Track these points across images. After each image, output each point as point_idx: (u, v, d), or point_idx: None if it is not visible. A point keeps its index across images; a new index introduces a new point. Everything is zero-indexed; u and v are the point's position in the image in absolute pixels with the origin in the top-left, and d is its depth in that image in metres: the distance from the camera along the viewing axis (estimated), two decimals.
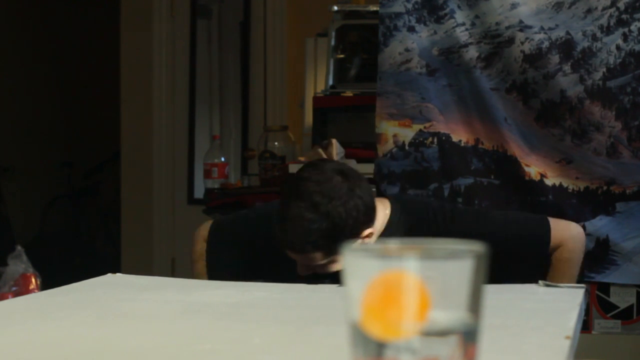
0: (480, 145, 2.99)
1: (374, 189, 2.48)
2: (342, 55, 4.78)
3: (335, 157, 4.32)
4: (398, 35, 3.02)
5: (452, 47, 3.00)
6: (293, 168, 4.34)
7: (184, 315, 1.36)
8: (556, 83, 2.93)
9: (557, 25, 2.93)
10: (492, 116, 2.97)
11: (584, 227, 2.93)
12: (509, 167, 2.96)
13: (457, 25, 2.99)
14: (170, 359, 1.08)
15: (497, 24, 2.96)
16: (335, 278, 2.04)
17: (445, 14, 3.00)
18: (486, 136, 2.98)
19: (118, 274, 1.71)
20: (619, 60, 2.89)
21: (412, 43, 3.01)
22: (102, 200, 7.05)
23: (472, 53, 2.98)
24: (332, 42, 4.72)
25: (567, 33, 2.92)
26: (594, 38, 2.91)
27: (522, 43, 2.94)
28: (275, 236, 2.14)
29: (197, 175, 5.24)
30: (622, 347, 2.99)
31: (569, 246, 2.49)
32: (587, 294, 2.24)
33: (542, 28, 2.93)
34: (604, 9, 2.91)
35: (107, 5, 6.18)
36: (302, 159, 4.49)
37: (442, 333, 0.64)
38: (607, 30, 2.90)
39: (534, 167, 2.95)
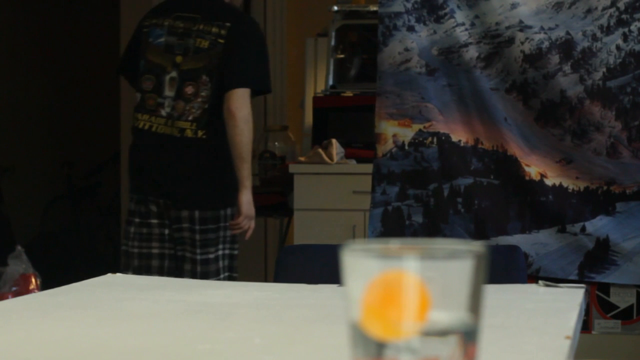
0: (480, 146, 2.99)
1: None
2: (342, 55, 4.78)
3: (335, 157, 4.32)
4: (398, 34, 3.02)
5: (452, 47, 3.00)
6: (293, 168, 4.34)
7: (184, 315, 1.36)
8: (556, 83, 2.93)
9: (557, 25, 2.93)
10: (492, 116, 2.97)
11: (584, 227, 2.93)
12: (509, 167, 2.96)
13: (457, 25, 2.99)
14: (170, 359, 1.08)
15: (497, 24, 2.96)
16: None
17: (445, 14, 3.00)
18: (486, 136, 2.98)
19: (118, 274, 1.71)
20: (619, 60, 2.90)
21: (412, 43, 3.01)
22: (102, 200, 7.05)
23: (472, 53, 2.98)
24: (332, 42, 4.72)
25: (567, 33, 2.93)
26: (594, 38, 2.91)
27: (522, 43, 2.94)
28: None
29: None
30: (622, 347, 2.99)
31: None
32: (587, 294, 2.24)
33: (542, 28, 2.93)
34: (604, 9, 2.91)
35: (107, 4, 6.18)
36: (302, 159, 4.50)
37: (442, 333, 0.64)
38: (607, 30, 2.90)
39: (534, 167, 2.95)
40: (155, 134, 3.25)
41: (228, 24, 3.22)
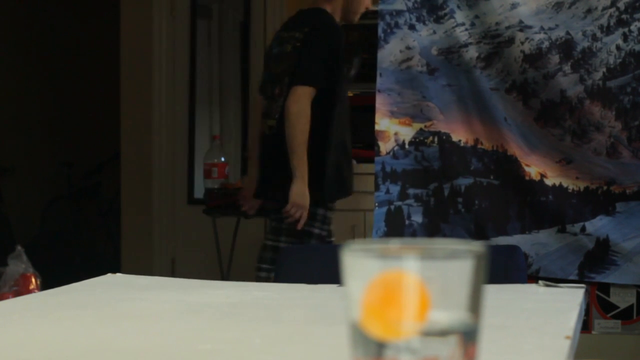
0: (480, 146, 2.99)
1: None
2: None
3: None
4: (399, 32, 3.02)
5: (451, 47, 3.00)
6: None
7: (184, 315, 1.36)
8: (556, 83, 2.93)
9: (557, 25, 2.93)
10: (492, 116, 2.97)
11: (584, 228, 2.93)
12: (509, 167, 2.96)
13: (456, 25, 2.99)
14: (170, 359, 1.08)
15: (497, 24, 2.96)
16: None
17: (445, 14, 3.00)
18: (486, 136, 2.98)
19: (118, 274, 1.71)
20: (619, 60, 2.90)
21: (413, 41, 3.01)
22: (102, 200, 7.05)
23: (472, 53, 2.98)
24: None
25: (567, 33, 2.93)
26: (594, 38, 2.91)
27: (522, 43, 2.94)
28: None
29: (197, 176, 5.23)
30: (622, 347, 2.99)
31: None
32: (587, 294, 2.24)
33: (542, 28, 2.93)
34: (604, 9, 2.91)
35: (107, 5, 6.18)
36: None
37: (442, 333, 0.64)
38: (607, 30, 2.90)
39: (534, 167, 2.95)
40: (264, 132, 3.63)
41: (306, 29, 3.50)
